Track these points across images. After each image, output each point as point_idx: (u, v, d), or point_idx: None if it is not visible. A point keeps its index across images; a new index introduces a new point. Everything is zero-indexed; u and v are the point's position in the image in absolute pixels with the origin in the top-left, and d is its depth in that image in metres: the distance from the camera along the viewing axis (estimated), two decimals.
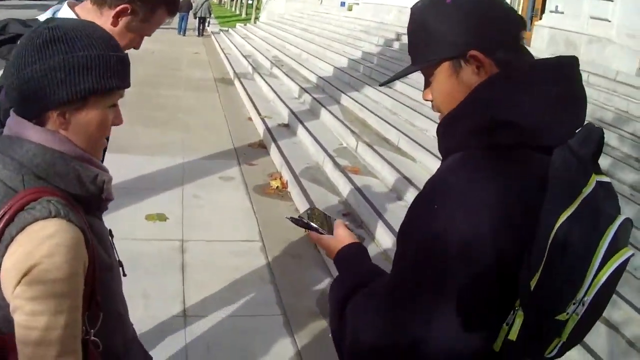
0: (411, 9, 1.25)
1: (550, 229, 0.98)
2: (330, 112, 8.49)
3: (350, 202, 5.57)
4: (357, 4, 20.85)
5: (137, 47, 1.77)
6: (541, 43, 10.30)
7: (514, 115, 1.09)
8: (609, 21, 8.99)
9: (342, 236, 1.46)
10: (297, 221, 1.55)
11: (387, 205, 5.31)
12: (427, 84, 1.26)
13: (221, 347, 3.36)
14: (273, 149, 7.25)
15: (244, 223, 5.18)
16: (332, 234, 1.48)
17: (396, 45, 12.86)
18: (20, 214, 1.11)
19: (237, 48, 18.07)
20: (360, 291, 1.24)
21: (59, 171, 1.20)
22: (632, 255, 1.05)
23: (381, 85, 1.65)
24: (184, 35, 22.86)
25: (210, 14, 24.73)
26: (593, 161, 1.12)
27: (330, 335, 1.33)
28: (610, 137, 6.01)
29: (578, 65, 1.16)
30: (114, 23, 1.65)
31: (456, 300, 1.05)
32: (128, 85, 1.30)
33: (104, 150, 1.54)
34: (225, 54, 17.05)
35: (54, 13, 1.75)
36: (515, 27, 1.20)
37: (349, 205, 5.55)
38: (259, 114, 8.96)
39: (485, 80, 1.14)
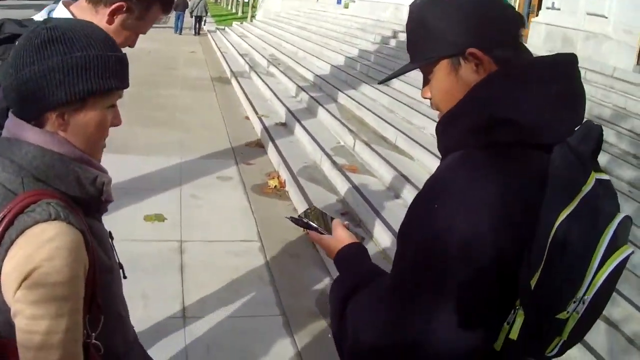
0: (410, 6, 1.25)
1: (550, 227, 0.98)
2: (327, 110, 8.49)
3: (348, 200, 5.57)
4: (354, 1, 20.87)
5: (132, 45, 1.76)
6: (538, 39, 10.32)
7: (513, 113, 1.08)
8: (606, 17, 9.01)
9: (341, 236, 1.46)
10: (297, 221, 1.55)
11: (385, 203, 5.31)
12: (426, 82, 1.26)
13: (221, 347, 3.36)
14: (270, 148, 7.24)
15: (243, 223, 5.18)
16: (331, 234, 1.48)
17: (393, 42, 12.87)
18: (20, 217, 1.11)
19: (233, 47, 18.04)
20: (361, 291, 1.24)
21: (59, 173, 1.19)
22: (632, 253, 1.06)
23: (380, 83, 1.65)
24: (180, 34, 22.82)
25: (206, 13, 24.69)
26: (592, 159, 1.13)
27: (330, 335, 1.33)
28: (608, 134, 6.02)
29: (577, 62, 1.16)
30: (110, 21, 1.65)
31: (456, 300, 1.05)
32: (127, 86, 1.30)
33: None
34: (221, 53, 17.04)
35: (49, 12, 1.74)
36: (515, 25, 1.20)
37: (347, 204, 5.55)
38: (256, 113, 8.95)
39: (484, 78, 1.14)
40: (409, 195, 5.26)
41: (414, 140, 6.60)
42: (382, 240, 4.70)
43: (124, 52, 1.30)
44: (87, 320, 1.21)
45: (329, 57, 13.15)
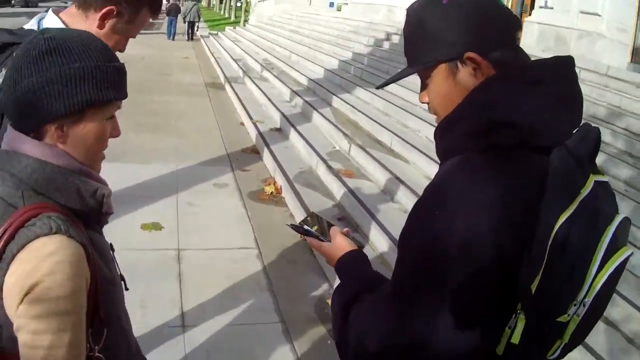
0: (407, 10, 1.24)
1: (550, 229, 0.99)
2: (321, 114, 8.49)
3: (345, 205, 5.57)
4: (346, 4, 20.89)
5: (122, 49, 1.77)
6: (531, 39, 10.33)
7: (512, 116, 1.09)
8: (599, 15, 9.03)
9: (341, 243, 1.45)
10: (297, 228, 1.55)
11: (381, 207, 5.31)
12: (424, 87, 1.25)
13: (221, 355, 3.35)
14: (266, 154, 7.24)
15: (239, 230, 5.17)
16: (331, 241, 1.48)
17: (386, 45, 12.89)
18: (20, 231, 1.10)
19: (227, 52, 18.04)
20: (363, 297, 1.24)
21: (59, 186, 1.19)
22: (632, 254, 1.06)
23: (377, 88, 1.65)
24: (173, 39, 22.81)
25: (199, 18, 24.67)
26: (590, 161, 1.13)
27: (329, 342, 1.33)
28: (603, 133, 5.95)
29: (574, 65, 1.17)
30: (100, 26, 1.66)
31: (456, 300, 1.05)
32: (125, 96, 1.29)
33: None
34: (215, 58, 17.04)
35: (39, 20, 1.75)
36: (513, 27, 1.20)
37: (344, 208, 5.55)
38: (251, 119, 8.95)
39: (483, 82, 1.14)
40: (404, 198, 5.26)
41: (409, 144, 6.60)
42: (379, 244, 4.70)
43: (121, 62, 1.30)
44: (90, 334, 1.20)
45: (322, 61, 13.16)
